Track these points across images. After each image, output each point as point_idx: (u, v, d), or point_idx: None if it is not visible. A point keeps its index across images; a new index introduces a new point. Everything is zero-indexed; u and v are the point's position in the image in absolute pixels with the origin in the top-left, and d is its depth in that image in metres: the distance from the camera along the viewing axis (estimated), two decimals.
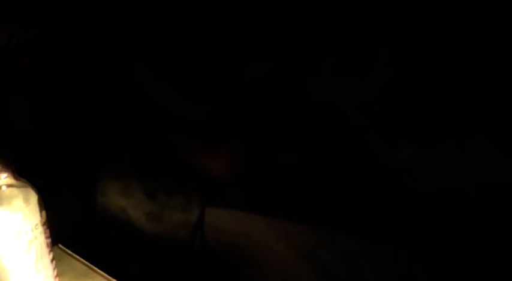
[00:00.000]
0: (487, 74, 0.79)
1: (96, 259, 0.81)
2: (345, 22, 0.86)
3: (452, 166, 0.79)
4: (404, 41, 0.82)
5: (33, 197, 0.61)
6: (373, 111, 0.83)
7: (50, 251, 0.65)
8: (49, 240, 0.64)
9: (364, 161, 0.86)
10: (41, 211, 0.62)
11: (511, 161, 0.75)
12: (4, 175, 0.60)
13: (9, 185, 0.60)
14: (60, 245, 0.83)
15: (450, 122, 0.79)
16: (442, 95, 0.80)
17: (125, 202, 0.94)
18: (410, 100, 0.81)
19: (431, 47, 0.81)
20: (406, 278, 0.73)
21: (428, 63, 0.81)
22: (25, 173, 0.62)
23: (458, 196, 0.79)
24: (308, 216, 0.82)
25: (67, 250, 0.82)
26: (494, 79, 0.78)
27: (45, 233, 0.63)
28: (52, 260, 0.66)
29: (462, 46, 0.80)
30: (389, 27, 0.83)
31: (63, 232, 0.83)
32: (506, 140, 0.76)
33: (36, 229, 0.61)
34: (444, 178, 0.81)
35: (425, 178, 0.82)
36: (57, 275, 0.67)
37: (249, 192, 0.88)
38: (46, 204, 0.63)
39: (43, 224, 0.63)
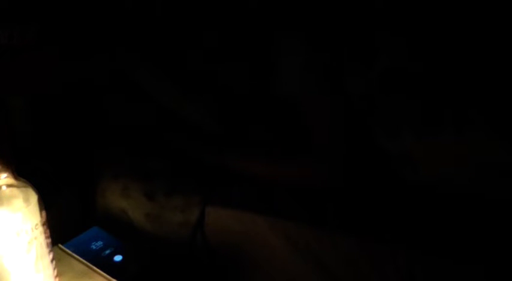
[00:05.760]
0: (485, 64, 0.79)
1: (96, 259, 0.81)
2: (346, 19, 0.87)
3: (452, 151, 0.80)
4: (405, 32, 0.83)
5: (33, 197, 0.61)
6: (374, 99, 0.84)
7: (50, 251, 0.65)
8: (49, 240, 0.64)
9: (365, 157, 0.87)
10: (41, 211, 0.62)
11: (509, 146, 0.76)
12: (4, 175, 0.60)
13: (9, 185, 0.60)
14: (60, 245, 0.83)
15: (450, 109, 0.79)
16: (441, 83, 0.80)
17: (125, 203, 0.94)
18: (411, 88, 0.82)
19: (431, 38, 0.82)
20: (406, 278, 0.73)
21: (428, 53, 0.82)
22: (25, 173, 0.62)
23: (459, 184, 0.79)
24: (308, 216, 0.82)
25: (67, 250, 0.82)
26: (492, 68, 0.79)
27: (45, 233, 0.63)
28: (52, 260, 0.66)
29: (461, 38, 0.80)
30: (390, 22, 0.84)
31: (63, 232, 0.83)
32: (504, 126, 0.77)
33: (36, 229, 0.61)
34: (444, 165, 0.81)
35: (425, 168, 0.82)
36: (57, 275, 0.67)
37: (249, 192, 0.89)
38: (46, 204, 0.63)
39: (43, 224, 0.62)
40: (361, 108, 0.86)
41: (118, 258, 0.83)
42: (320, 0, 0.88)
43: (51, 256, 0.65)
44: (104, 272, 0.78)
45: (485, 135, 0.78)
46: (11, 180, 0.60)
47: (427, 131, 0.81)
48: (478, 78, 0.79)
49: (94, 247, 0.84)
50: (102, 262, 0.80)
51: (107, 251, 0.83)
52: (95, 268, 0.79)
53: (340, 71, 0.87)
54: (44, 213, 0.63)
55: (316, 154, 0.88)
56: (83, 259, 0.80)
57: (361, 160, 0.87)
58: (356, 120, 0.87)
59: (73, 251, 0.82)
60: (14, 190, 0.60)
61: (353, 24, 0.86)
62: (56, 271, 0.67)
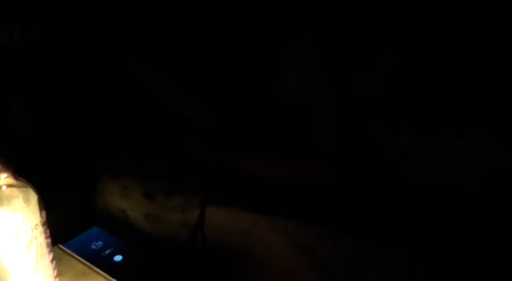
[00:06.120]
0: (487, 65, 0.79)
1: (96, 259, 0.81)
2: (350, 20, 0.87)
3: (452, 152, 0.80)
4: (408, 33, 0.83)
5: (33, 197, 0.61)
6: (378, 99, 0.84)
7: (50, 251, 0.65)
8: (49, 240, 0.64)
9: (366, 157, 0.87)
10: (41, 211, 0.62)
11: (509, 149, 0.76)
12: (4, 175, 0.60)
13: (9, 185, 0.60)
14: (60, 245, 0.83)
15: (450, 109, 0.79)
16: (442, 84, 0.81)
17: (125, 203, 0.94)
18: (414, 89, 0.82)
19: (431, 39, 0.82)
20: (406, 278, 0.73)
21: (429, 54, 0.82)
22: (25, 173, 0.62)
23: (458, 183, 0.79)
24: (308, 215, 0.82)
25: (67, 250, 0.82)
26: (493, 70, 0.79)
27: (45, 233, 0.63)
28: (52, 260, 0.66)
29: (462, 39, 0.81)
30: (393, 23, 0.84)
31: (63, 232, 0.83)
32: (504, 129, 0.77)
33: (36, 229, 0.61)
34: (444, 166, 0.81)
35: (425, 168, 0.82)
36: (57, 275, 0.67)
37: (249, 192, 0.88)
38: (46, 204, 0.63)
39: (43, 224, 0.63)
40: (365, 108, 0.86)
41: (118, 258, 0.83)
42: (325, 2, 0.88)
43: (51, 256, 0.65)
44: (104, 272, 0.78)
45: (486, 136, 0.78)
46: (11, 180, 0.60)
47: (428, 131, 0.81)
48: (480, 79, 0.79)
49: (94, 247, 0.84)
50: (102, 262, 0.80)
51: (107, 251, 0.83)
52: (95, 268, 0.79)
53: (345, 72, 0.87)
54: (44, 213, 0.63)
55: (322, 155, 0.88)
56: (83, 259, 0.81)
57: (364, 160, 0.87)
58: (360, 121, 0.87)
59: (73, 251, 0.82)
60: (14, 190, 0.61)
61: (357, 25, 0.86)
62: (56, 271, 0.67)
